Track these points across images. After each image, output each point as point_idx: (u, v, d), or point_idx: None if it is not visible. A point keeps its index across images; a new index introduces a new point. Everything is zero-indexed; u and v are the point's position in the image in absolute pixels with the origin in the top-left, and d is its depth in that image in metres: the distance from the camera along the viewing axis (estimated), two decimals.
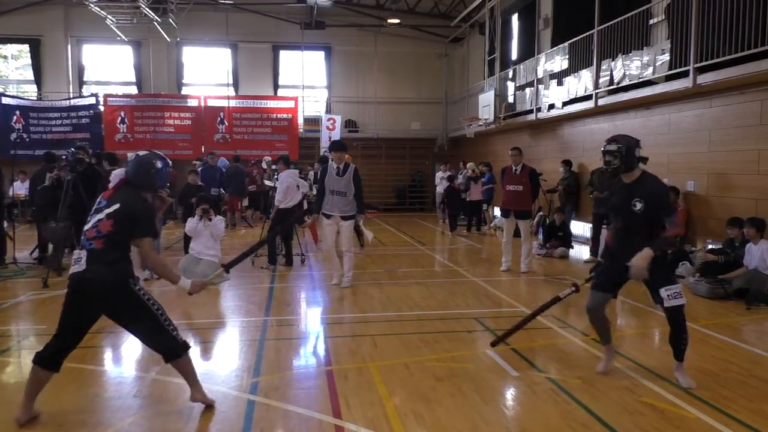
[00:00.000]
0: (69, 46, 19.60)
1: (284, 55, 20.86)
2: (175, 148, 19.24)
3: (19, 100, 19.10)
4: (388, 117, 20.73)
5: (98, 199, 3.73)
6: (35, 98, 19.47)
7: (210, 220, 7.93)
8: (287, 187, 9.40)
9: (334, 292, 7.61)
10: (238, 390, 4.20)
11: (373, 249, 11.54)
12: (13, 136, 18.47)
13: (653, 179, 4.27)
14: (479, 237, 13.62)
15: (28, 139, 18.54)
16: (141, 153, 3.84)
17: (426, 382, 4.37)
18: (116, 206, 3.58)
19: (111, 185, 3.76)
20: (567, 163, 12.30)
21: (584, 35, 11.28)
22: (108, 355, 5.16)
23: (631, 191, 4.19)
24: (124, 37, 18.68)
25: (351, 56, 20.82)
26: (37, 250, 9.39)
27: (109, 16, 17.24)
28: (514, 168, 8.93)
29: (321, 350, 5.24)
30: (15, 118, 18.55)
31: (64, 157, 8.34)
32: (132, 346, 5.53)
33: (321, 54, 20.97)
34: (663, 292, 4.12)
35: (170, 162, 4.01)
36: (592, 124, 12.12)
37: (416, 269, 9.32)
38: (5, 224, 9.51)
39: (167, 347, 3.69)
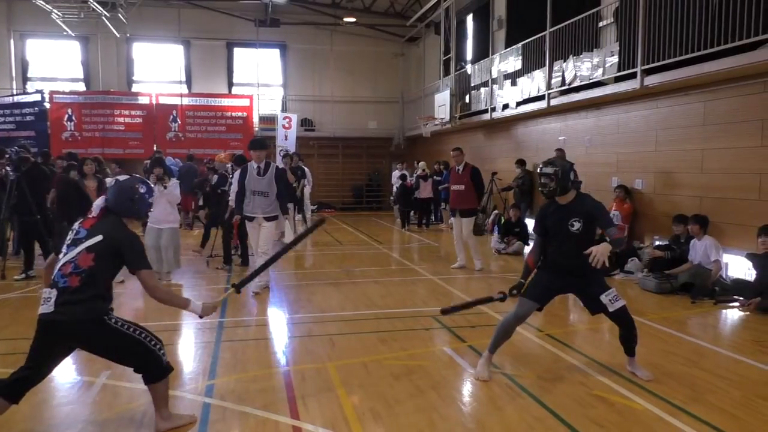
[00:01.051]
0: (12, 41, 18.88)
1: (239, 53, 20.59)
2: (125, 147, 18.85)
3: None
4: (344, 116, 20.71)
5: (76, 228, 3.41)
6: None
7: (165, 187, 7.73)
8: None
9: (290, 292, 7.55)
10: (193, 393, 4.13)
11: (330, 248, 11.52)
12: None
13: (588, 198, 4.41)
14: (436, 235, 13.74)
15: None
16: (121, 178, 3.60)
17: (384, 380, 4.38)
18: (98, 238, 3.31)
19: (92, 215, 3.47)
20: (521, 163, 12.53)
21: (537, 36, 11.51)
22: None
23: (567, 212, 4.31)
24: (70, 32, 18.09)
25: (307, 54, 20.71)
26: None
27: (55, 10, 16.68)
28: (457, 167, 9.02)
29: (278, 351, 5.18)
30: None
31: (7, 156, 8.02)
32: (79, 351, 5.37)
33: (276, 52, 20.79)
34: (604, 298, 4.28)
35: (153, 186, 3.83)
36: (545, 123, 12.37)
37: (373, 268, 9.34)
38: None
39: (150, 369, 3.42)
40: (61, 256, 3.35)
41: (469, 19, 16.54)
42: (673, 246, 8.04)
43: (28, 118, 18.21)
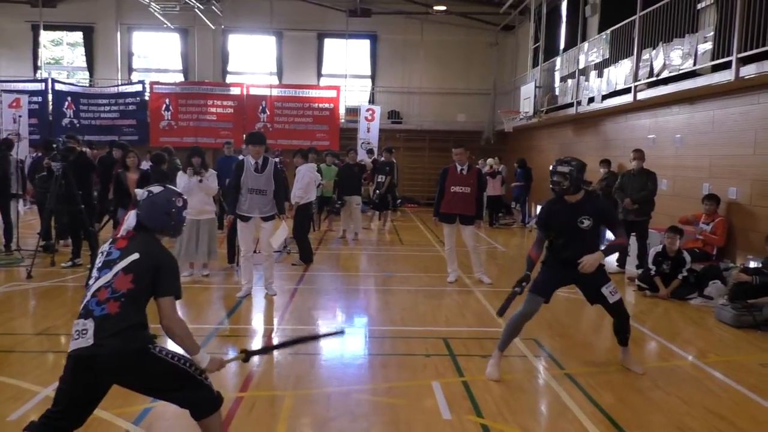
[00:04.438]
0: (119, 34, 19.93)
1: (329, 44, 20.46)
2: (217, 136, 19.26)
3: (70, 86, 19.66)
4: (433, 108, 19.98)
5: (106, 249, 3.00)
6: (87, 85, 19.98)
7: (200, 180, 7.43)
8: (308, 183, 9.39)
9: (310, 297, 7.08)
10: (122, 417, 3.74)
11: (386, 249, 10.98)
12: (65, 121, 19.05)
13: (598, 198, 4.68)
14: (507, 236, 12.77)
15: (78, 125, 19.01)
16: (154, 189, 3.11)
17: (338, 421, 3.78)
18: (135, 257, 2.90)
19: (122, 232, 3.05)
20: (606, 163, 11.24)
21: (626, 21, 10.21)
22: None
23: (576, 210, 4.44)
24: (170, 25, 18.80)
25: (397, 45, 20.15)
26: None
27: (153, 3, 17.36)
28: (460, 168, 7.93)
29: (245, 372, 4.55)
30: (66, 104, 19.11)
31: (54, 146, 8.21)
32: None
33: (366, 42, 20.42)
34: (605, 290, 4.49)
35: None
36: (634, 120, 11.00)
37: (417, 274, 8.55)
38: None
39: (203, 402, 2.95)
40: (91, 282, 2.92)
41: (564, 5, 15.21)
42: (765, 270, 6.71)
43: (131, 107, 19.27)
